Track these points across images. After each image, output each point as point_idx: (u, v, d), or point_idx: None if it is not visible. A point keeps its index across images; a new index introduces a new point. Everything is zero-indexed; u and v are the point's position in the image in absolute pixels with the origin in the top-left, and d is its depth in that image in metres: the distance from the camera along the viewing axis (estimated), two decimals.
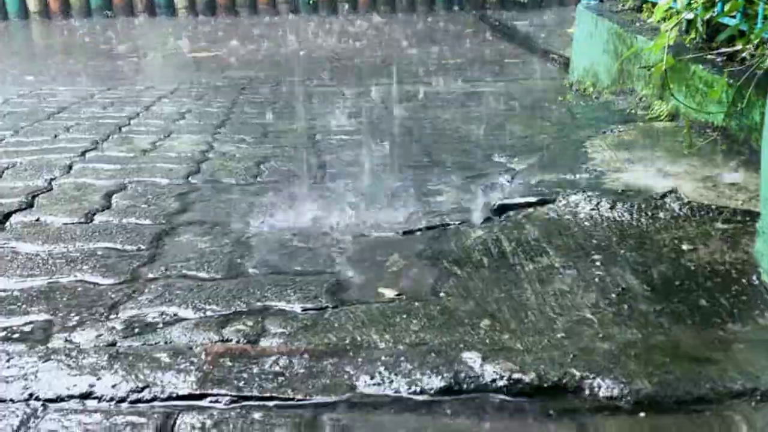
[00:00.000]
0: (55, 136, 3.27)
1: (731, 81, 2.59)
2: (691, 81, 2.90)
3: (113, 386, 1.30)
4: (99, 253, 1.94)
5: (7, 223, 2.17)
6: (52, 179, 2.59)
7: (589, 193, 2.18)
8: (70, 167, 2.74)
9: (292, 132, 3.32)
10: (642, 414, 1.21)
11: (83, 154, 2.95)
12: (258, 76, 5.04)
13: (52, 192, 2.45)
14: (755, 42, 2.67)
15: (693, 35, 3.18)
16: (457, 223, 2.08)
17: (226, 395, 1.28)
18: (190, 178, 2.60)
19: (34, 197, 2.39)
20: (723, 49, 2.90)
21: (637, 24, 3.79)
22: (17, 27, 9.03)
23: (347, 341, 1.45)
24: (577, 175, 2.41)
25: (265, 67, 5.49)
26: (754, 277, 1.65)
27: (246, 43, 6.94)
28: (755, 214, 1.88)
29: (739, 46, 2.79)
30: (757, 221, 1.75)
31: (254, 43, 6.94)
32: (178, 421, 1.21)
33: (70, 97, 4.31)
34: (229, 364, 1.37)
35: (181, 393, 1.29)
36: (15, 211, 2.26)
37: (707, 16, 3.05)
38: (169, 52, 6.58)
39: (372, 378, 1.31)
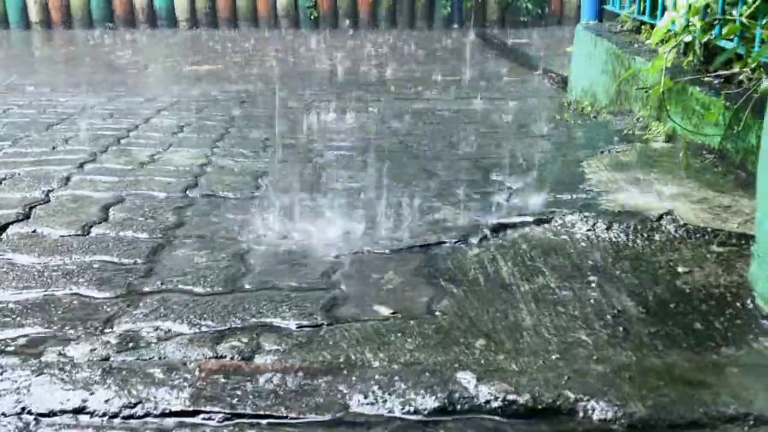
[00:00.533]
0: (54, 148, 3.28)
1: (728, 104, 2.61)
2: (688, 103, 2.92)
3: (106, 401, 1.30)
4: (95, 266, 1.94)
5: (4, 235, 2.17)
6: (49, 191, 2.59)
7: (586, 214, 2.19)
8: (68, 179, 2.75)
9: (290, 147, 3.32)
10: None
11: (81, 165, 2.95)
12: (258, 90, 5.05)
13: (49, 204, 2.45)
14: (752, 65, 2.69)
15: (691, 57, 3.20)
16: (453, 241, 2.08)
17: (219, 412, 1.27)
18: (187, 192, 2.60)
19: (31, 209, 2.39)
20: (720, 72, 2.92)
21: (636, 45, 3.82)
22: (18, 37, 9.06)
23: (341, 359, 1.45)
24: (574, 195, 2.42)
25: (265, 82, 5.50)
26: (749, 301, 1.66)
27: (246, 57, 6.97)
28: (750, 237, 1.89)
29: (736, 69, 2.81)
30: (752, 244, 1.76)
31: (254, 57, 6.97)
32: None
33: (70, 108, 4.33)
34: (223, 380, 1.37)
35: (174, 409, 1.28)
36: (12, 223, 2.26)
37: (705, 39, 3.07)
38: (169, 64, 6.61)
39: (366, 397, 1.31)
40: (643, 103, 3.42)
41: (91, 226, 2.23)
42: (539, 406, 1.28)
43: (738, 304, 1.65)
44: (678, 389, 1.33)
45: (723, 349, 1.48)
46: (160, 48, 7.91)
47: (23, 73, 5.98)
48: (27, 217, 2.32)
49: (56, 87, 5.22)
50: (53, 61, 7.02)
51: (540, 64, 5.91)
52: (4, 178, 2.75)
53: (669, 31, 3.11)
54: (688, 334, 1.54)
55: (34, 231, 2.19)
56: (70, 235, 2.16)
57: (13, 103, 4.46)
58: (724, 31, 2.80)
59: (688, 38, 3.13)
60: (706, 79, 2.95)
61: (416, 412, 1.28)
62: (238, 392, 1.33)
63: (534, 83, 5.36)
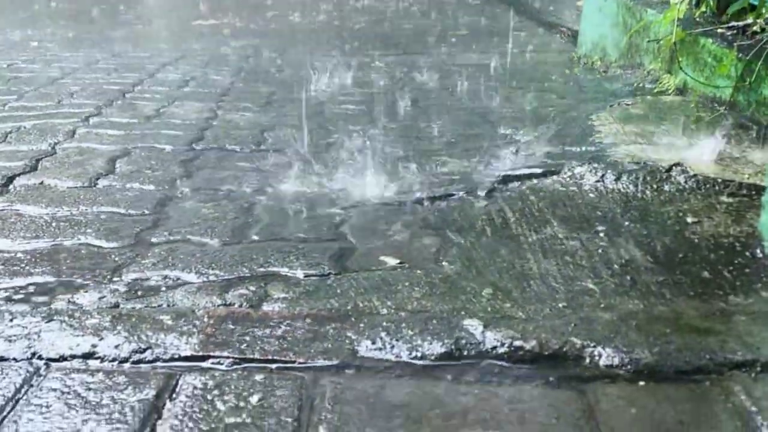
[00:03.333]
0: (59, 102, 3.26)
1: (740, 55, 2.57)
2: (700, 55, 2.87)
3: (116, 347, 1.31)
4: (103, 217, 1.94)
5: (11, 186, 2.17)
6: (56, 143, 2.58)
7: (595, 165, 2.17)
8: (73, 132, 2.74)
9: (296, 100, 3.30)
10: (641, 383, 1.22)
11: (87, 119, 2.94)
12: (263, 45, 5.00)
13: (56, 156, 2.45)
14: (766, 16, 2.64)
15: (703, 8, 3.14)
16: (461, 193, 2.07)
17: (228, 357, 1.28)
18: (194, 145, 2.59)
19: (38, 161, 2.39)
20: (733, 23, 2.87)
21: None
22: None
23: (349, 307, 1.45)
24: (583, 148, 2.40)
25: (270, 36, 5.45)
26: (758, 251, 1.65)
27: (251, 12, 6.89)
28: (761, 188, 1.87)
29: (749, 20, 2.76)
30: (762, 195, 1.74)
31: (259, 12, 6.89)
32: (180, 382, 1.22)
33: (74, 62, 4.29)
34: (232, 327, 1.37)
35: (183, 354, 1.29)
36: (19, 174, 2.26)
37: None
38: (173, 19, 6.54)
39: (373, 343, 1.32)
40: (654, 55, 3.37)
41: (97, 178, 2.23)
42: (546, 352, 1.29)
43: (747, 254, 1.65)
44: (685, 336, 1.33)
45: (731, 297, 1.47)
46: (165, 3, 7.82)
47: (27, 29, 5.93)
48: (34, 168, 2.32)
49: (60, 42, 5.18)
50: (57, 16, 6.95)
51: (550, 18, 5.82)
52: (11, 132, 2.74)
53: None
54: (696, 282, 1.53)
55: (41, 182, 2.19)
56: (77, 187, 2.16)
57: (17, 58, 4.43)
58: None
59: None
60: (719, 30, 2.90)
61: (423, 357, 1.28)
62: (247, 338, 1.33)
63: (544, 38, 5.28)
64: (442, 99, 3.28)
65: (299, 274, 1.60)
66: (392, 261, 1.67)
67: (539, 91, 3.40)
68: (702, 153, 2.24)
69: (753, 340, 1.31)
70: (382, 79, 3.77)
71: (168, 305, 1.47)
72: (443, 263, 1.65)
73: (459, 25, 5.99)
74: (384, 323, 1.38)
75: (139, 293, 1.52)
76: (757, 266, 1.60)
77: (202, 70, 4.06)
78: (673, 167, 2.12)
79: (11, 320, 1.40)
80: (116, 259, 1.69)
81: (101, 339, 1.33)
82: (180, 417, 1.13)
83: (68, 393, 1.19)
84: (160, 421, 1.12)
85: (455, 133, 2.70)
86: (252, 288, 1.53)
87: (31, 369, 1.26)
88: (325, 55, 4.56)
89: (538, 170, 2.20)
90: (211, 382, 1.22)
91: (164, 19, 6.53)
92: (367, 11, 6.97)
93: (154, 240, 1.79)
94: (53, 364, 1.27)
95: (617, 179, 2.08)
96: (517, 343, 1.30)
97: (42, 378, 1.23)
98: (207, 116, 3.00)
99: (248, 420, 1.12)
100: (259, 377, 1.23)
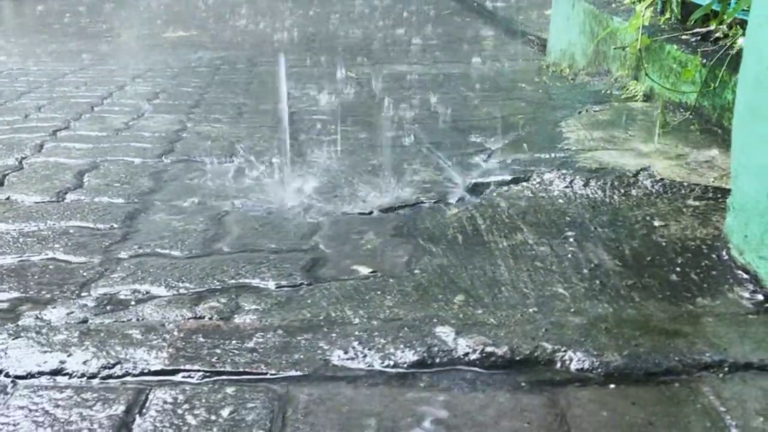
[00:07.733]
0: (26, 116, 3.22)
1: (704, 61, 2.61)
2: (665, 61, 2.92)
3: (84, 362, 1.29)
4: (71, 231, 1.91)
5: None
6: (22, 158, 2.55)
7: (564, 171, 2.19)
8: (41, 146, 2.70)
9: (267, 112, 3.29)
10: (612, 386, 1.23)
11: (55, 133, 2.91)
12: (234, 57, 4.99)
13: (22, 171, 2.42)
14: (728, 22, 2.69)
15: (668, 15, 3.20)
16: (432, 201, 2.08)
17: (198, 371, 1.27)
18: (163, 158, 2.57)
19: (4, 176, 2.35)
20: (697, 30, 2.92)
21: (613, 5, 3.80)
22: None
23: (321, 317, 1.45)
24: (552, 154, 2.42)
25: (240, 48, 5.43)
26: (724, 253, 1.68)
27: (221, 24, 6.87)
28: (726, 191, 1.90)
29: (712, 27, 2.81)
30: (728, 198, 1.77)
31: (230, 24, 6.87)
32: (150, 396, 1.20)
33: (42, 77, 4.25)
34: (202, 340, 1.36)
35: (153, 369, 1.28)
36: None
37: None
38: (143, 32, 6.50)
39: (346, 352, 1.32)
40: (620, 62, 3.42)
41: (65, 193, 2.20)
42: (517, 358, 1.29)
43: (714, 256, 1.67)
44: (654, 339, 1.34)
45: (698, 299, 1.49)
46: (134, 16, 7.77)
47: None
48: (0, 184, 2.28)
49: (28, 56, 5.12)
50: (24, 30, 6.87)
51: (519, 27, 5.88)
52: None
53: None
54: (664, 285, 1.55)
55: (7, 198, 2.16)
56: (44, 202, 2.13)
57: None
58: None
59: None
60: (683, 36, 2.95)
61: (396, 365, 1.28)
62: (218, 351, 1.32)
63: (513, 47, 5.33)
64: (413, 108, 3.30)
65: (271, 285, 1.60)
66: (364, 270, 1.67)
67: (509, 99, 3.42)
68: (668, 158, 2.27)
69: (721, 342, 1.33)
70: (352, 89, 3.78)
71: (137, 319, 1.46)
72: (415, 271, 1.65)
73: (429, 35, 6.03)
74: (356, 332, 1.38)
75: (108, 308, 1.51)
76: (723, 268, 1.62)
77: (172, 82, 4.04)
78: (640, 172, 2.15)
79: None
80: (85, 273, 1.67)
81: (69, 355, 1.31)
82: None
83: (36, 411, 1.17)
84: None
85: (426, 141, 2.71)
86: (223, 300, 1.52)
87: None
88: (295, 65, 4.55)
89: (508, 177, 2.21)
90: (181, 396, 1.21)
91: (133, 32, 6.49)
92: (337, 21, 6.98)
93: (123, 254, 1.77)
94: (20, 382, 1.25)
95: (585, 185, 2.10)
96: (489, 349, 1.31)
97: (9, 396, 1.21)
98: (177, 128, 2.98)
99: None
100: (230, 390, 1.22)
